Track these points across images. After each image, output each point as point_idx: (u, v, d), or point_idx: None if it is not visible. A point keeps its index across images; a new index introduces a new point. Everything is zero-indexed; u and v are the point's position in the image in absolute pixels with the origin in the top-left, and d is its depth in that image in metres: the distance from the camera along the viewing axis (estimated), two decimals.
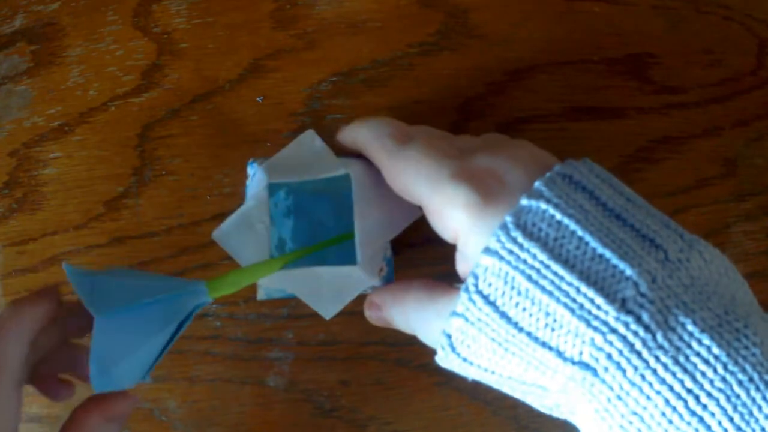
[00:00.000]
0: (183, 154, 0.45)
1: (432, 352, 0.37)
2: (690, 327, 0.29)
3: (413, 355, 0.44)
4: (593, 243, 0.31)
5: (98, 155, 0.45)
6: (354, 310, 0.41)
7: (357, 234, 0.39)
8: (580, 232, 0.31)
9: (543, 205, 0.32)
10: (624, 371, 0.29)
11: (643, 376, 0.29)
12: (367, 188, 0.40)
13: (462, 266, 0.34)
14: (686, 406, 0.29)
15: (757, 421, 0.28)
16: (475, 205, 0.33)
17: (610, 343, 0.29)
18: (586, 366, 0.30)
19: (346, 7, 0.45)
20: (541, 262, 0.31)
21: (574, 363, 0.30)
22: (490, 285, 0.32)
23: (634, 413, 0.29)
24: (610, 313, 0.29)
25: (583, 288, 0.30)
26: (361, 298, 0.40)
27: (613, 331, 0.29)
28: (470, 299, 0.32)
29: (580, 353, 0.30)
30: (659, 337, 0.29)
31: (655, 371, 0.29)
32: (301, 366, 0.44)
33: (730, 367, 0.29)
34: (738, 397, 0.28)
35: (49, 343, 0.36)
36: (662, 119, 0.45)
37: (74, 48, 0.45)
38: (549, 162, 0.35)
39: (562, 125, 0.45)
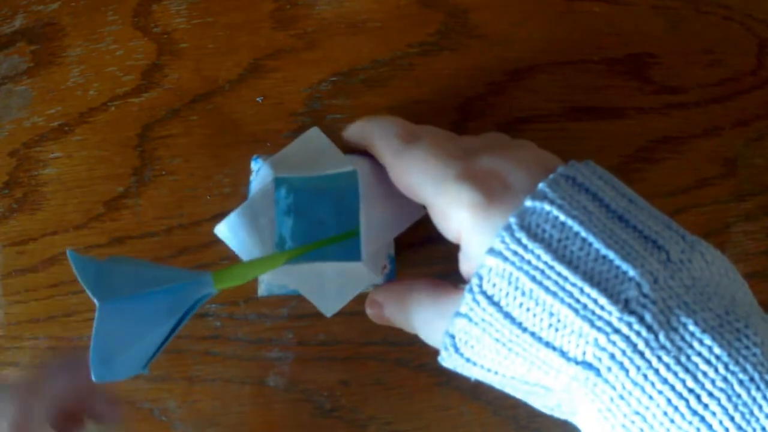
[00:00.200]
0: (183, 154, 0.45)
1: (433, 352, 0.37)
2: (691, 327, 0.29)
3: (413, 355, 0.44)
4: (596, 244, 0.31)
5: (98, 155, 0.45)
6: (354, 310, 0.41)
7: (362, 230, 0.39)
8: (583, 233, 0.31)
9: (547, 207, 0.32)
10: (627, 371, 0.29)
11: (645, 376, 0.29)
12: (373, 185, 0.40)
13: (465, 266, 0.34)
14: (688, 406, 0.29)
15: (757, 420, 0.28)
16: (480, 205, 0.33)
17: (613, 343, 0.29)
18: (589, 366, 0.30)
19: (346, 7, 0.45)
20: (545, 263, 0.31)
21: (577, 363, 0.30)
22: (494, 285, 0.32)
23: (637, 413, 0.30)
24: (613, 314, 0.30)
25: (587, 288, 0.30)
26: (361, 298, 0.40)
27: (616, 331, 0.29)
28: (474, 300, 0.32)
29: (584, 353, 0.30)
30: (661, 337, 0.29)
31: (657, 371, 0.29)
32: (301, 366, 0.44)
33: (731, 367, 0.29)
34: (739, 396, 0.28)
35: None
36: (662, 119, 0.45)
37: (74, 48, 0.45)
38: (552, 163, 0.35)
39: (562, 125, 0.45)
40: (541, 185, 0.32)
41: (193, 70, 0.45)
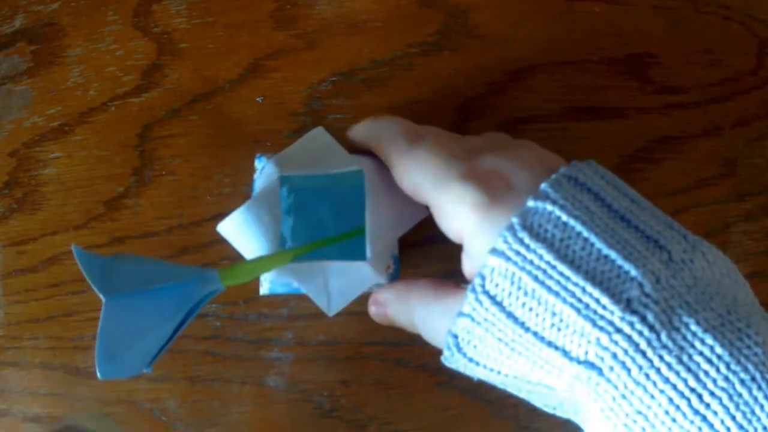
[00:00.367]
0: (183, 154, 0.45)
1: (433, 352, 0.37)
2: (693, 327, 0.29)
3: (413, 355, 0.44)
4: (599, 244, 0.31)
5: (98, 155, 0.45)
6: (354, 311, 0.41)
7: (367, 229, 0.39)
8: (585, 233, 0.31)
9: (549, 207, 0.32)
10: (629, 370, 0.29)
11: (647, 376, 0.29)
12: (377, 185, 0.40)
13: (468, 266, 0.34)
14: (689, 405, 0.29)
15: (759, 420, 0.28)
16: (482, 205, 0.33)
17: (616, 343, 0.30)
18: (591, 365, 0.30)
19: (346, 7, 0.45)
20: (548, 263, 0.31)
21: (579, 362, 0.30)
22: (497, 285, 0.32)
23: (639, 412, 0.30)
24: (615, 313, 0.30)
25: (589, 288, 0.30)
26: (361, 299, 0.40)
27: (619, 330, 0.30)
28: (477, 299, 0.32)
29: (586, 353, 0.30)
30: (663, 336, 0.29)
31: (659, 370, 0.29)
32: (301, 366, 0.44)
33: (733, 366, 0.29)
34: (740, 396, 0.29)
35: None
36: (662, 119, 0.45)
37: (74, 48, 0.45)
38: (554, 163, 0.35)
39: (562, 125, 0.45)
40: (543, 185, 0.33)
41: (193, 70, 0.45)
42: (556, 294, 0.31)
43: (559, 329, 0.31)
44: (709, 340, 0.29)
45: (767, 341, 0.30)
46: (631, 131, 0.45)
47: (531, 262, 0.31)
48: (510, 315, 0.32)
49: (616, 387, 0.30)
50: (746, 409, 0.28)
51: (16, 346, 0.44)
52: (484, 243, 0.33)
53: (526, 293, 0.31)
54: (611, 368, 0.30)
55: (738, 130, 0.45)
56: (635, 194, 0.34)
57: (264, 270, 0.38)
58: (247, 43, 0.45)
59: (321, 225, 0.42)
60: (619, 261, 0.30)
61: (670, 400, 0.29)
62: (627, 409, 0.30)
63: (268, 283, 0.41)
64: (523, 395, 0.35)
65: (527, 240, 0.31)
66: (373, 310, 0.40)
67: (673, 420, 0.29)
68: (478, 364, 0.34)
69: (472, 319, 0.33)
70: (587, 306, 0.30)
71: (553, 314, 0.31)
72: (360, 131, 0.40)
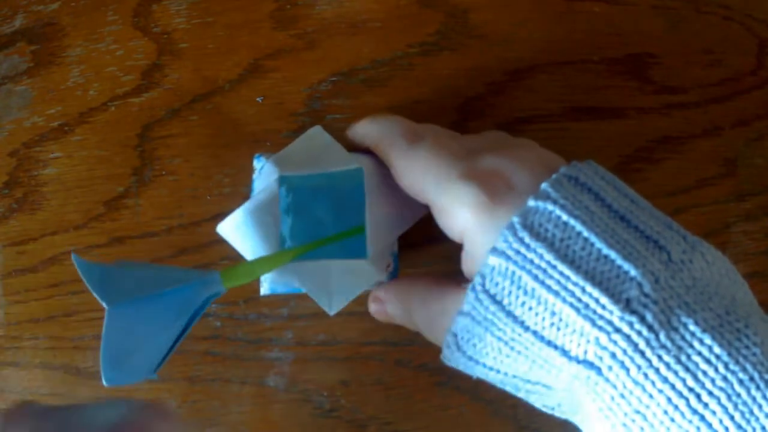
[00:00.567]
0: (183, 154, 0.45)
1: (432, 352, 0.37)
2: (692, 327, 0.29)
3: (413, 355, 0.44)
4: (598, 244, 0.31)
5: (98, 155, 0.45)
6: (354, 310, 0.41)
7: (367, 227, 0.39)
8: (585, 233, 0.31)
9: (549, 207, 0.32)
10: (627, 370, 0.30)
11: (646, 375, 0.29)
12: (377, 184, 0.40)
13: (468, 265, 0.34)
14: (688, 405, 0.29)
15: (757, 419, 0.28)
16: (483, 205, 0.33)
17: (615, 343, 0.30)
18: (590, 365, 0.30)
19: (346, 7, 0.45)
20: (548, 263, 0.31)
21: (579, 362, 0.30)
22: (497, 284, 0.32)
23: (637, 412, 0.30)
24: (614, 313, 0.30)
25: (589, 288, 0.30)
26: (361, 298, 0.40)
27: (618, 330, 0.30)
28: (477, 298, 0.32)
29: (585, 352, 0.30)
30: (662, 336, 0.29)
31: (657, 370, 0.29)
32: (301, 366, 0.44)
33: (731, 366, 0.29)
34: (739, 395, 0.29)
35: None
36: (662, 119, 0.45)
37: (74, 48, 0.45)
38: (554, 163, 0.35)
39: (562, 125, 0.45)
40: (544, 185, 0.33)
41: (193, 70, 0.45)
42: (556, 293, 0.31)
43: (558, 328, 0.31)
44: (708, 340, 0.29)
45: (765, 341, 0.30)
46: (631, 131, 0.45)
47: (531, 262, 0.31)
48: (510, 314, 0.32)
49: (614, 386, 0.30)
50: (744, 409, 0.28)
51: (16, 346, 0.44)
52: (485, 242, 0.33)
53: (526, 292, 0.31)
54: (610, 368, 0.30)
55: (738, 130, 0.45)
56: (635, 194, 0.34)
57: (265, 270, 0.38)
58: (247, 43, 0.45)
59: (320, 224, 0.42)
60: (619, 261, 0.31)
61: (669, 399, 0.29)
62: (626, 409, 0.30)
63: (268, 283, 0.41)
64: (521, 395, 0.35)
65: (527, 239, 0.31)
66: (373, 307, 0.40)
67: (672, 420, 0.29)
68: (477, 362, 0.34)
69: (472, 318, 0.33)
70: (587, 306, 0.30)
71: (553, 314, 0.31)
72: (359, 130, 0.40)
